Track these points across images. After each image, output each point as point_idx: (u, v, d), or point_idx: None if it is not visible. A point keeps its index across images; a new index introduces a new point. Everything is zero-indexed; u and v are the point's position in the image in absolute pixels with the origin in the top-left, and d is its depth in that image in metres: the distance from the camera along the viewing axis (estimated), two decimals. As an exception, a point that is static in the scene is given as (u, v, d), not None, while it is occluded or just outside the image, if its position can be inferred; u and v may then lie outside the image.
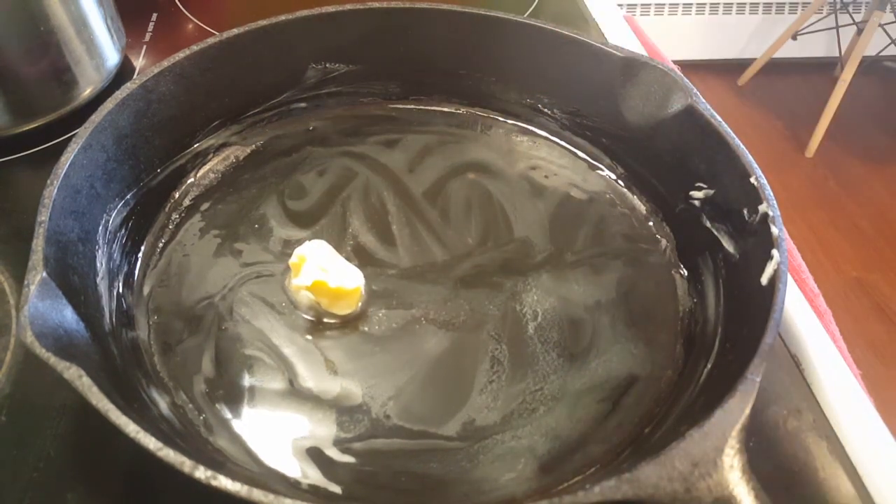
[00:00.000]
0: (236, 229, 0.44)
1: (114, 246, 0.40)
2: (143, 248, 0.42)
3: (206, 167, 0.47)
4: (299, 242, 0.42)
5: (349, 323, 0.39)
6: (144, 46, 0.60)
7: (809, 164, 1.74)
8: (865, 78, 1.74)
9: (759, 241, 0.37)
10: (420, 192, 0.47)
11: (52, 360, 0.27)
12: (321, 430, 0.35)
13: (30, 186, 0.47)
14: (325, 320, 0.39)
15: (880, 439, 0.36)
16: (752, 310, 0.35)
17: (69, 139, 0.38)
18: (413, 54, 0.51)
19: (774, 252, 0.35)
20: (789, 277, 0.37)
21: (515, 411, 0.36)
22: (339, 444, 0.34)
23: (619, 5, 0.62)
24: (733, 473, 0.26)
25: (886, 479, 0.34)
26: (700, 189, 0.43)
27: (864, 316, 1.40)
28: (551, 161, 0.50)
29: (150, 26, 0.62)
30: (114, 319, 0.38)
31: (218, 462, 0.33)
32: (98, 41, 0.52)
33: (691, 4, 1.87)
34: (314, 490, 0.33)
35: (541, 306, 0.41)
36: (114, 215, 0.41)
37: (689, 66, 1.61)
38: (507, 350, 0.38)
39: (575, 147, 0.51)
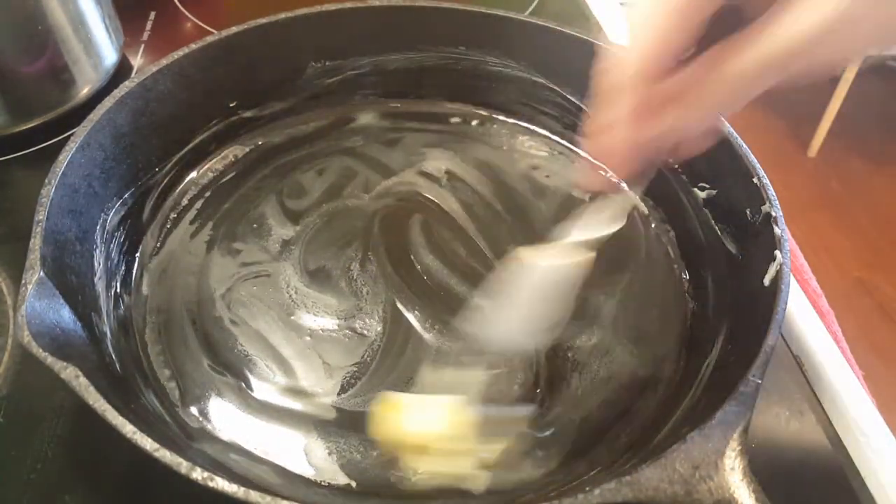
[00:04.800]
0: (234, 229, 0.44)
1: (112, 245, 0.40)
2: (140, 247, 0.42)
3: (205, 166, 0.47)
4: (298, 242, 0.41)
5: (361, 338, 0.38)
6: (142, 45, 0.60)
7: (812, 164, 1.74)
8: (868, 77, 1.73)
9: (761, 242, 0.36)
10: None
11: (49, 359, 0.27)
12: (320, 430, 0.35)
13: (27, 186, 0.47)
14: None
15: (883, 440, 0.36)
16: (754, 310, 0.34)
17: (67, 138, 0.37)
18: (413, 53, 0.50)
19: (777, 253, 0.35)
20: (791, 278, 0.36)
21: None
22: (338, 443, 0.34)
23: (621, 3, 0.62)
24: (734, 476, 0.26)
25: (889, 479, 0.34)
26: (703, 189, 0.42)
27: (866, 316, 1.39)
28: (553, 160, 0.50)
29: (148, 25, 0.62)
30: (111, 319, 0.37)
31: (215, 462, 0.32)
32: (96, 40, 0.51)
33: (693, 3, 1.86)
34: (309, 485, 0.32)
35: (541, 306, 0.40)
36: (112, 214, 0.40)
37: (690, 66, 1.60)
38: (506, 354, 0.38)
39: (576, 146, 0.50)
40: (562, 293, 0.30)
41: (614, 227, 0.31)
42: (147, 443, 0.26)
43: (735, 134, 0.40)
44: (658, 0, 0.24)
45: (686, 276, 0.43)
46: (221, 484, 0.25)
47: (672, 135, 0.26)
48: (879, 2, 0.21)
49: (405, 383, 0.37)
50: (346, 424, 0.35)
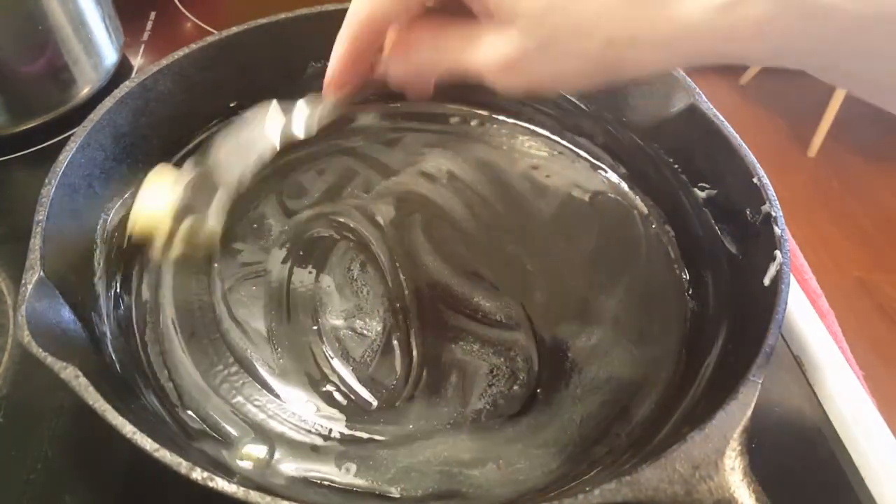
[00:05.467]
0: (234, 229, 0.44)
1: (112, 246, 0.40)
2: (140, 247, 0.42)
3: (205, 166, 0.47)
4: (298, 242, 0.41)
5: (361, 338, 0.39)
6: (143, 45, 0.60)
7: (812, 164, 1.74)
8: (868, 77, 1.73)
9: (761, 242, 0.36)
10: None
11: (49, 359, 0.27)
12: (320, 429, 0.35)
13: (28, 186, 0.47)
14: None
15: (883, 440, 0.36)
16: (754, 310, 0.34)
17: (67, 138, 0.37)
18: (413, 53, 0.50)
19: (777, 252, 0.35)
20: (791, 278, 0.36)
21: (516, 415, 0.36)
22: (342, 442, 0.34)
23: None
24: (734, 476, 0.26)
25: (889, 479, 0.34)
26: (702, 189, 0.42)
27: (866, 316, 1.39)
28: (552, 160, 0.50)
29: (149, 25, 0.62)
30: (111, 320, 0.38)
31: (216, 462, 0.32)
32: (96, 40, 0.51)
33: (693, 3, 1.86)
34: (309, 484, 0.32)
35: (541, 308, 0.40)
36: (112, 214, 0.40)
37: (690, 66, 1.60)
38: (507, 354, 0.38)
39: (576, 146, 0.50)
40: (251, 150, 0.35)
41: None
42: (147, 443, 0.26)
43: (735, 134, 0.40)
44: None
45: (686, 276, 0.43)
46: (221, 484, 0.25)
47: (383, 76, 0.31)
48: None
49: (403, 380, 0.37)
50: (350, 420, 0.35)
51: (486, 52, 0.26)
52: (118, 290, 0.39)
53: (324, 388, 0.36)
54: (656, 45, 0.24)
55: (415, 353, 0.38)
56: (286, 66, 0.48)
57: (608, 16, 0.23)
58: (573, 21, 0.24)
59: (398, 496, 0.33)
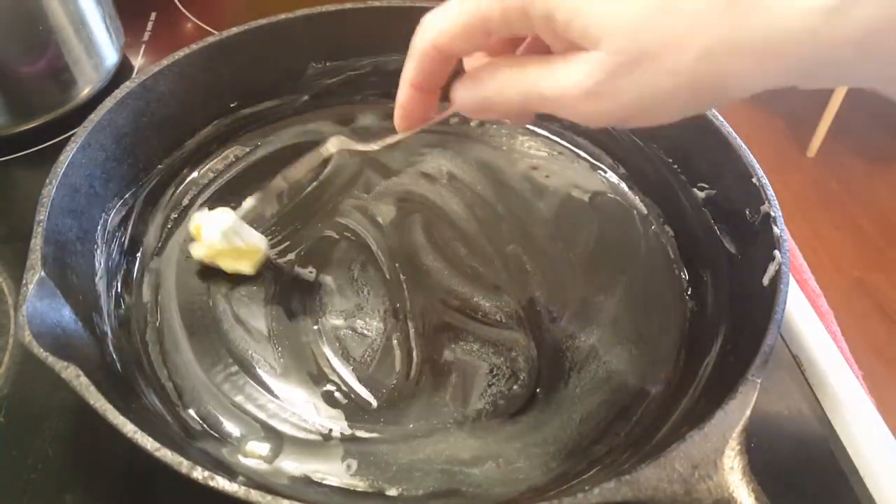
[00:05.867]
0: (235, 229, 0.44)
1: (112, 245, 0.40)
2: (141, 247, 0.42)
3: (205, 166, 0.47)
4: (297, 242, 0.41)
5: (362, 337, 0.39)
6: (143, 45, 0.60)
7: (811, 164, 1.74)
8: (867, 77, 1.73)
9: (760, 242, 0.36)
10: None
11: (50, 359, 0.27)
12: (321, 429, 0.35)
13: (28, 186, 0.47)
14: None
15: (882, 440, 0.36)
16: (753, 310, 0.34)
17: (68, 138, 0.38)
18: (413, 53, 0.50)
19: (776, 252, 0.35)
20: (791, 278, 0.36)
21: (515, 414, 0.36)
22: (343, 441, 0.34)
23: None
24: (733, 475, 0.26)
25: (888, 479, 0.34)
26: (702, 189, 0.42)
27: (865, 316, 1.39)
28: (552, 160, 0.50)
29: (149, 25, 0.62)
30: (112, 319, 0.38)
31: (216, 461, 0.32)
32: (96, 40, 0.51)
33: (693, 3, 1.86)
34: (309, 484, 0.32)
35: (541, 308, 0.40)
36: (112, 214, 0.41)
37: (690, 66, 1.60)
38: (507, 354, 0.38)
39: (576, 147, 0.50)
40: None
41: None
42: (148, 442, 0.26)
43: (734, 134, 0.40)
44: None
45: (685, 276, 0.43)
46: (222, 483, 0.25)
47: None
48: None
49: (403, 380, 0.37)
50: (350, 419, 0.35)
51: (568, 76, 0.24)
52: (119, 290, 0.39)
53: (324, 388, 0.36)
54: (756, 55, 0.21)
55: (415, 352, 0.38)
56: (286, 66, 0.49)
57: (703, 24, 0.21)
58: (665, 34, 0.22)
59: (398, 495, 0.33)
